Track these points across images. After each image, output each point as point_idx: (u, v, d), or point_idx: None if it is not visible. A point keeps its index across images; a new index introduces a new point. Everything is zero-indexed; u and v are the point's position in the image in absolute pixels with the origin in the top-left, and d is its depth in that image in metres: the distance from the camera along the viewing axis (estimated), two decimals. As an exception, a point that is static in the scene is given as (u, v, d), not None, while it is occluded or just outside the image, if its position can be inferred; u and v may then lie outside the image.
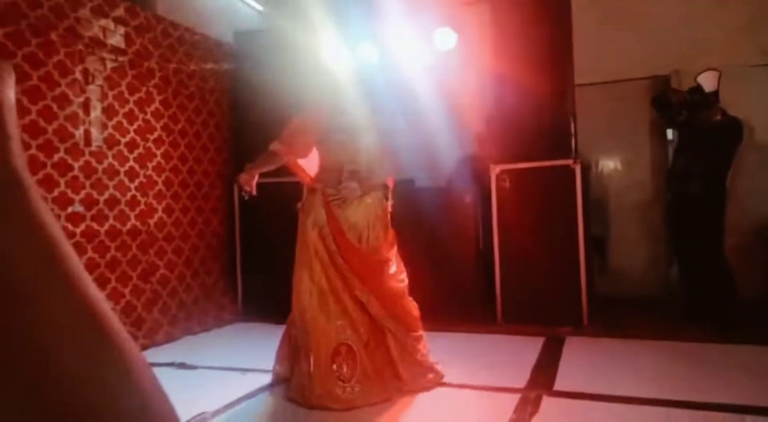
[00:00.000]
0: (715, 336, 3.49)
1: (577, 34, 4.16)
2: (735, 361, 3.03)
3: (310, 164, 2.84)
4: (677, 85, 4.99)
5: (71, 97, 3.40)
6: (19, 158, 0.28)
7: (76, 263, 0.29)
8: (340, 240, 2.53)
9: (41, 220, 0.28)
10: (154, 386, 0.32)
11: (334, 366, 2.39)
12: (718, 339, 3.44)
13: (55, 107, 3.28)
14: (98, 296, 0.29)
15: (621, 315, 4.31)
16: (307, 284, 2.51)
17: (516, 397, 2.50)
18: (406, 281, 2.72)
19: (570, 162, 3.95)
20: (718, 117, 3.86)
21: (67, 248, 0.29)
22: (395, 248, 2.69)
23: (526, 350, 3.31)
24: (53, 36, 3.29)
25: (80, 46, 3.46)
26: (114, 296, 3.58)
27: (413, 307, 2.71)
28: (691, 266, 4.07)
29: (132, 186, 3.82)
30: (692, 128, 3.99)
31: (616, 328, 3.82)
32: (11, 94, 0.29)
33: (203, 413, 2.35)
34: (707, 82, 3.85)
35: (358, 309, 2.51)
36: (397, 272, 2.68)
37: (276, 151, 2.70)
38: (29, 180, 0.29)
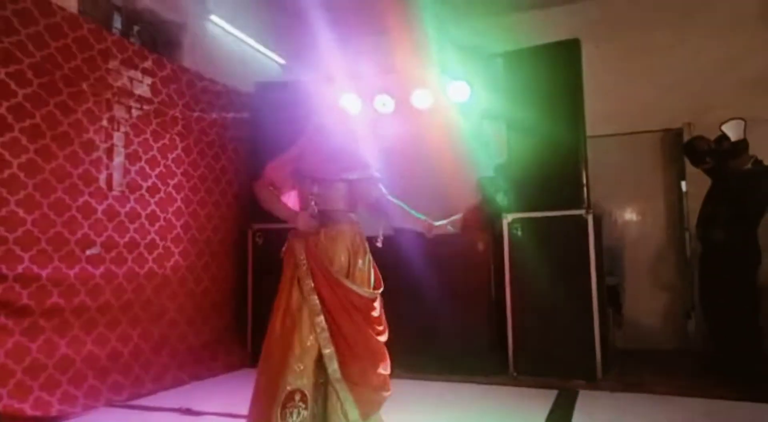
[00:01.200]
0: (735, 393, 3.37)
1: (590, 86, 4.24)
2: (756, 420, 2.93)
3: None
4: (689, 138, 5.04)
5: (98, 142, 3.55)
6: None
7: None
8: (320, 275, 2.34)
9: None
10: None
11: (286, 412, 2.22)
12: (739, 396, 3.33)
13: (81, 152, 3.43)
14: None
15: (636, 369, 4.21)
16: (277, 327, 2.40)
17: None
18: (386, 335, 2.40)
19: (582, 212, 3.96)
20: (749, 165, 3.88)
21: None
22: (380, 293, 2.40)
23: (538, 403, 3.24)
24: (84, 86, 3.47)
25: (109, 95, 3.64)
26: (123, 338, 3.61)
27: (386, 363, 2.36)
28: (715, 316, 3.98)
29: (152, 229, 3.92)
30: (720, 176, 4.02)
31: (631, 382, 3.73)
32: None
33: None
34: (732, 130, 3.90)
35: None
36: (378, 319, 2.37)
37: (257, 186, 2.63)
38: None
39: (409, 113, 5.04)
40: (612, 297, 4.79)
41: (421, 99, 4.92)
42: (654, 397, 3.40)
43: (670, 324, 5.10)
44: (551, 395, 3.43)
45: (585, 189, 4.09)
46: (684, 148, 4.42)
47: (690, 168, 4.69)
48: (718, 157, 3.98)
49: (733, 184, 3.88)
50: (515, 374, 3.96)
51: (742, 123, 3.86)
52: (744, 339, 3.76)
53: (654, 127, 5.31)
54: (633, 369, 4.18)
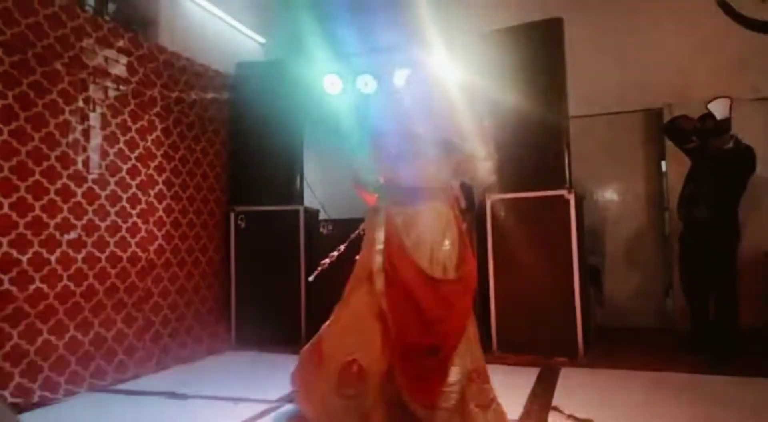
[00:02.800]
0: (711, 368, 3.47)
1: (572, 67, 4.25)
2: (731, 394, 3.02)
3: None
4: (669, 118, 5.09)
5: (74, 124, 3.46)
6: None
7: None
8: (399, 260, 2.20)
9: None
10: None
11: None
12: (714, 371, 3.42)
13: (57, 134, 3.34)
14: None
15: (617, 346, 4.31)
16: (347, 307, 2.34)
17: (509, 429, 2.48)
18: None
19: (564, 192, 4.00)
20: (730, 145, 3.90)
21: None
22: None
23: (521, 380, 3.29)
24: (58, 65, 3.36)
25: (84, 75, 3.54)
26: (106, 323, 3.57)
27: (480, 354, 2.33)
28: (695, 293, 4.06)
29: (134, 212, 3.85)
30: (703, 155, 4.03)
31: (612, 359, 3.81)
32: None
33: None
34: (719, 109, 3.88)
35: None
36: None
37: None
38: None
39: (391, 92, 4.99)
40: (593, 276, 4.86)
41: (403, 78, 4.87)
42: (633, 373, 3.48)
43: (650, 302, 5.21)
44: (534, 372, 3.50)
45: (567, 169, 4.12)
46: (666, 128, 4.42)
47: (670, 148, 4.74)
48: (703, 135, 3.99)
49: (716, 164, 3.91)
50: (499, 352, 4.02)
51: (728, 101, 3.85)
52: (722, 315, 3.85)
53: (634, 108, 5.35)
54: (614, 347, 4.27)
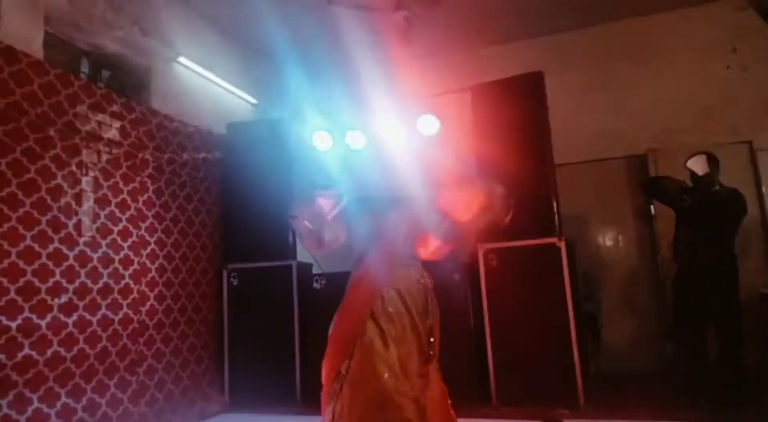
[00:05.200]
0: (713, 413, 3.41)
1: (555, 118, 4.35)
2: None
3: None
4: (654, 164, 5.20)
5: (66, 188, 3.49)
6: None
7: None
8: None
9: None
10: None
11: None
12: (717, 416, 3.36)
13: (49, 199, 3.36)
14: None
15: (618, 393, 4.23)
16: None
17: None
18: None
19: (555, 240, 4.02)
20: (717, 187, 4.01)
21: None
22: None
23: (523, 434, 3.22)
24: (51, 131, 3.43)
25: (77, 140, 3.60)
26: (99, 389, 3.49)
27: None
28: (699, 336, 3.97)
29: (126, 274, 3.84)
30: (694, 201, 4.07)
31: (614, 408, 3.73)
32: None
33: None
34: (697, 166, 4.04)
35: None
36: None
37: None
38: None
39: (381, 147, 5.09)
40: (590, 322, 4.83)
41: (392, 134, 4.97)
42: (637, 422, 3.41)
43: (648, 345, 5.15)
44: (535, 425, 3.42)
45: (556, 217, 4.16)
46: (648, 190, 4.52)
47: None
48: (692, 193, 4.06)
49: (711, 207, 3.95)
50: (498, 404, 3.93)
51: (705, 157, 4.02)
52: (728, 356, 3.77)
53: (619, 154, 5.47)
54: (615, 394, 4.19)
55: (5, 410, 2.92)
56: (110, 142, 3.87)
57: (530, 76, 4.34)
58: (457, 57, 5.85)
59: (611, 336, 5.18)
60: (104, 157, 3.81)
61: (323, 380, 2.37)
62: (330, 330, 2.43)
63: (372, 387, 2.21)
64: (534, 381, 3.88)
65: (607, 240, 5.55)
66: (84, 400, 3.37)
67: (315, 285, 4.58)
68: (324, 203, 2.55)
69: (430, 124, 4.84)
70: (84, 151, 3.65)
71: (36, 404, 3.08)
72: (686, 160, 4.10)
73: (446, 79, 5.33)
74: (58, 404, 3.20)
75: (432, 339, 2.39)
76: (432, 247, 2.58)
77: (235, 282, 4.67)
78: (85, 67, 4.32)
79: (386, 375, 2.20)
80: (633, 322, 5.24)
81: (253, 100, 5.98)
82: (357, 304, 2.40)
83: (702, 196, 4.00)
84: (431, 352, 2.37)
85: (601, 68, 5.56)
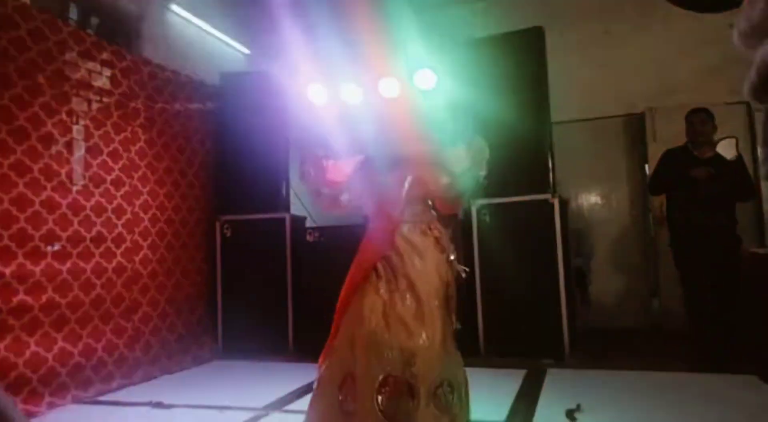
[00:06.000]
0: (693, 367, 3.51)
1: (553, 74, 4.31)
2: (716, 391, 3.05)
3: None
4: (651, 123, 5.17)
5: (57, 136, 3.46)
6: None
7: None
8: None
9: None
10: None
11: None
12: (698, 369, 3.46)
13: (40, 146, 3.34)
14: None
15: (602, 347, 4.34)
16: None
17: (495, 429, 2.50)
18: None
19: (548, 196, 4.04)
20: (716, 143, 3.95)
21: None
22: None
23: (507, 382, 3.32)
24: (40, 78, 3.37)
25: (66, 88, 3.55)
26: (95, 334, 3.55)
27: None
28: (708, 303, 3.76)
29: (119, 223, 3.85)
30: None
31: (597, 360, 3.84)
32: None
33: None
34: (727, 150, 4.01)
35: None
36: None
37: None
38: None
39: (377, 102, 5.03)
40: (579, 277, 4.91)
41: (388, 87, 4.91)
42: (619, 373, 3.51)
43: (635, 302, 5.26)
44: (520, 374, 3.52)
45: (551, 174, 4.17)
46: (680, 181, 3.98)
47: (652, 152, 4.81)
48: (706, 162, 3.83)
49: (723, 175, 3.74)
50: (486, 354, 4.04)
51: (734, 140, 4.10)
52: (729, 318, 3.72)
53: (616, 113, 5.43)
54: (599, 347, 4.30)
55: (3, 352, 2.98)
56: (101, 91, 3.81)
57: (530, 31, 4.27)
58: (456, 11, 5.72)
59: (600, 292, 5.28)
60: (95, 105, 3.76)
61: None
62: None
63: (358, 333, 2.28)
64: (521, 333, 3.97)
65: (600, 198, 5.58)
66: (80, 345, 3.44)
67: (308, 238, 4.62)
68: (334, 163, 2.57)
69: (427, 78, 4.78)
70: (74, 99, 3.61)
71: (33, 347, 3.14)
72: (692, 120, 3.87)
73: (445, 33, 5.22)
74: (55, 348, 3.27)
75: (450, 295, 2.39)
76: (442, 202, 2.60)
77: (229, 234, 4.70)
78: (73, 14, 4.21)
79: (373, 324, 2.27)
80: (622, 279, 5.33)
81: (246, 51, 5.87)
82: (358, 270, 2.44)
83: (718, 171, 3.76)
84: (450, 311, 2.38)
85: (602, 25, 5.45)
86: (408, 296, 2.33)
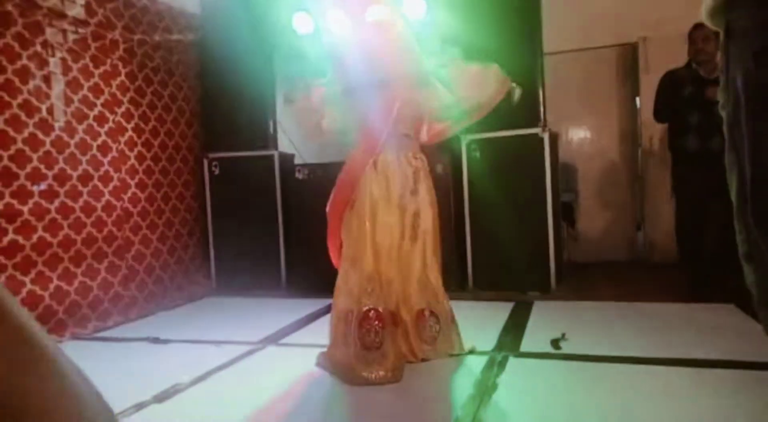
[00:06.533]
0: (677, 297, 3.64)
1: (545, 3, 4.16)
2: (695, 318, 3.18)
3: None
4: (644, 52, 5.07)
5: (33, 70, 3.32)
6: None
7: (7, 295, 0.36)
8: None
9: None
10: (80, 381, 0.40)
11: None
12: (682, 299, 3.59)
13: (17, 81, 3.21)
14: (26, 320, 0.40)
15: (588, 279, 4.47)
16: None
17: (483, 359, 2.60)
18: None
19: (539, 130, 4.01)
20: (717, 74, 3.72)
21: None
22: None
23: (495, 314, 3.42)
24: (9, 6, 3.19)
25: (39, 17, 3.37)
26: (90, 272, 3.57)
27: None
28: (699, 228, 3.77)
29: (105, 161, 3.78)
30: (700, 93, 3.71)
31: (582, 292, 3.96)
32: None
33: (177, 384, 2.39)
34: None
35: None
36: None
37: None
38: None
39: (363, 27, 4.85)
40: (566, 212, 4.97)
41: (376, 15, 4.72)
42: (603, 304, 3.63)
43: (622, 237, 5.37)
44: (508, 306, 3.63)
45: (542, 107, 4.12)
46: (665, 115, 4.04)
47: (645, 85, 4.76)
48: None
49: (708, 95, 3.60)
50: (474, 288, 4.14)
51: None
52: (725, 245, 3.76)
53: (609, 43, 5.31)
54: (586, 280, 4.43)
55: None
56: (75, 21, 3.62)
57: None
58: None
59: (587, 227, 5.37)
60: (71, 36, 3.59)
61: (333, 259, 2.65)
62: (327, 208, 2.60)
63: (359, 266, 2.45)
64: (510, 267, 4.06)
65: (590, 132, 5.56)
66: (76, 283, 3.46)
67: (297, 175, 4.58)
68: (317, 91, 2.58)
69: (416, 7, 4.60)
70: (48, 30, 3.43)
71: (29, 286, 3.16)
72: (694, 37, 3.77)
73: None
74: (51, 286, 3.29)
75: (418, 221, 2.52)
76: (433, 129, 2.63)
77: (217, 172, 4.65)
78: (39, -65, 3.92)
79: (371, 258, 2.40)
80: (609, 214, 5.41)
81: (228, -23, 5.55)
82: (345, 189, 2.53)
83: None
84: (415, 233, 2.52)
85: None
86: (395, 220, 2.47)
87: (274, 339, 3.15)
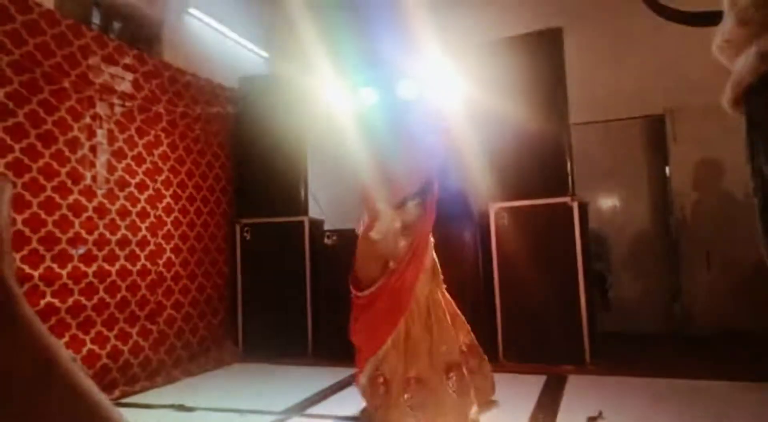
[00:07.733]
0: (719, 374, 3.47)
1: (572, 75, 4.27)
2: (738, 399, 3.01)
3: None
4: (671, 124, 5.12)
5: (82, 140, 3.52)
6: (9, 270, 0.34)
7: (67, 359, 0.36)
8: None
9: (33, 329, 0.34)
10: None
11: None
12: (722, 376, 3.42)
13: (67, 150, 3.40)
14: (92, 388, 0.37)
15: (624, 352, 4.30)
16: None
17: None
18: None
19: (567, 199, 4.02)
20: None
21: (57, 348, 0.36)
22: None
23: (528, 389, 3.31)
24: (66, 83, 3.43)
25: (91, 92, 3.60)
26: (122, 336, 3.61)
27: None
28: None
29: (143, 226, 3.91)
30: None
31: (618, 366, 3.81)
32: (6, 210, 0.35)
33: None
34: None
35: None
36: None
37: None
38: (17, 288, 0.34)
39: (394, 104, 5.04)
40: (599, 282, 4.87)
41: (406, 90, 4.91)
42: (641, 380, 3.48)
43: (657, 307, 5.20)
44: (541, 380, 3.50)
45: (569, 176, 4.14)
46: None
47: (673, 154, 4.75)
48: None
49: None
50: (505, 361, 4.03)
51: None
52: None
53: (636, 114, 5.37)
54: (621, 353, 4.26)
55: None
56: (123, 95, 3.86)
57: (549, 32, 4.24)
58: (472, 11, 5.69)
59: (621, 297, 5.23)
60: (118, 109, 3.82)
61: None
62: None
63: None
64: (541, 339, 3.96)
65: (620, 200, 5.53)
66: (108, 346, 3.50)
67: (326, 240, 4.64)
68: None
69: (444, 80, 4.78)
70: (98, 104, 3.66)
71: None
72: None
73: (461, 33, 5.20)
74: (84, 350, 3.33)
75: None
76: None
77: (248, 237, 4.74)
78: (96, 18, 4.27)
79: None
80: (643, 283, 5.28)
81: (265, 54, 5.90)
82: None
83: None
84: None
85: (619, 24, 5.39)
86: None
87: (299, 409, 3.09)
